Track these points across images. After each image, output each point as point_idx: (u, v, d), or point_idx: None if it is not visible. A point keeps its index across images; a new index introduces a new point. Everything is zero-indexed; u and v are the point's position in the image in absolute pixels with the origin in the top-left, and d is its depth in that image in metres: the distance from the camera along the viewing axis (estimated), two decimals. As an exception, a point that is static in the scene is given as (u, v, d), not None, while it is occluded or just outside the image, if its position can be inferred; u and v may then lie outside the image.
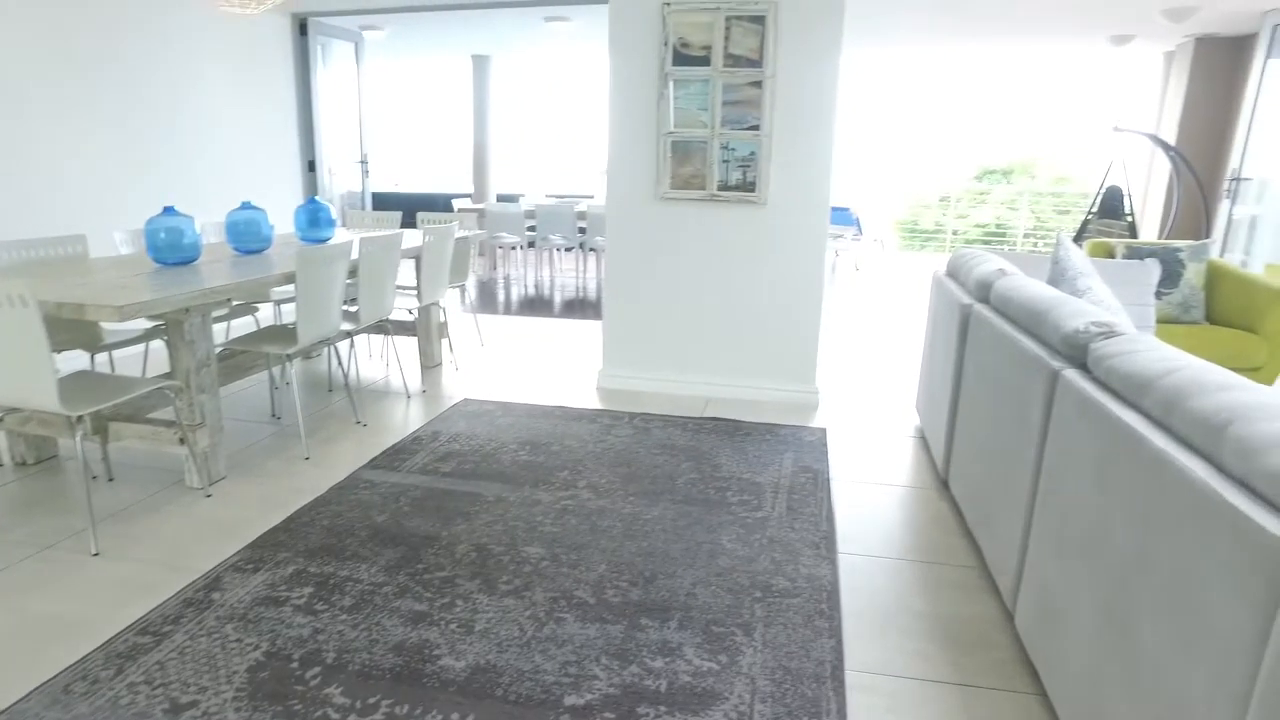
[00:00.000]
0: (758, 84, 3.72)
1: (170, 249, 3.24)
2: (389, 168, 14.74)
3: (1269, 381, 3.89)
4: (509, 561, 2.45)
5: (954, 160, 18.54)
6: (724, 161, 3.83)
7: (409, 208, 7.43)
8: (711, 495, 2.95)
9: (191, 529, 2.65)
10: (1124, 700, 1.41)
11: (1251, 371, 3.87)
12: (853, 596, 2.31)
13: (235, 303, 4.03)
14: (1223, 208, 5.96)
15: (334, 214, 4.39)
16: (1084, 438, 1.69)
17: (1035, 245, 13.20)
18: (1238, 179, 5.85)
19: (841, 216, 9.17)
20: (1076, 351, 1.89)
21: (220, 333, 4.66)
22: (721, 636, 2.08)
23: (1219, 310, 4.13)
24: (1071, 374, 1.83)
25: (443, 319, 4.80)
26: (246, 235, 3.68)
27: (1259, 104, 5.73)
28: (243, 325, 5.03)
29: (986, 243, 14.86)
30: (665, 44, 3.77)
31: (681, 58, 3.78)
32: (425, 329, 4.66)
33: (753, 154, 3.80)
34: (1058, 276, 2.70)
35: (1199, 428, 1.33)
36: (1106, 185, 7.32)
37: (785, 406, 3.98)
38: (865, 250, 9.29)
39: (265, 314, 5.22)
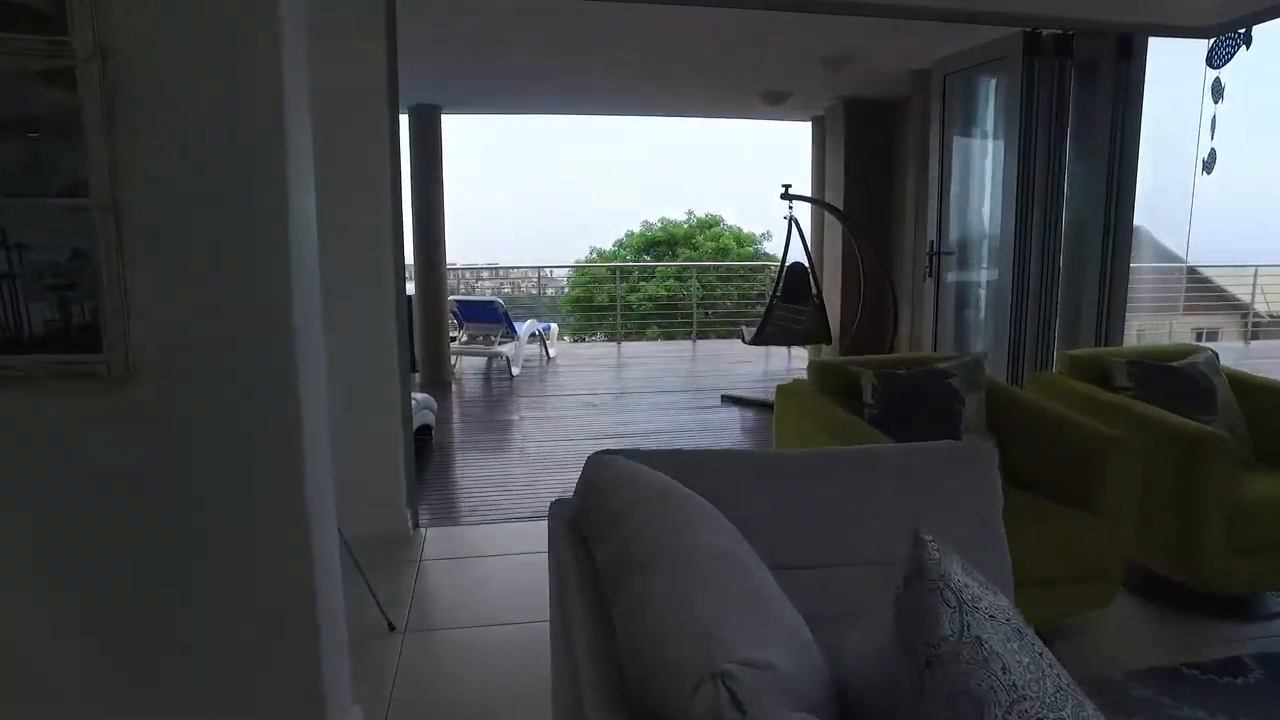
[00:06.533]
0: (59, 75, 1.44)
1: None
2: None
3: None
4: None
5: (620, 232, 18.05)
6: (4, 277, 1.47)
7: None
8: None
9: None
10: None
11: (1097, 579, 2.32)
12: None
13: None
14: (927, 287, 4.84)
15: None
16: None
17: (706, 315, 12.45)
18: (938, 253, 4.76)
19: (485, 312, 7.18)
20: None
21: None
22: None
23: (1029, 469, 2.59)
24: None
25: None
26: None
27: (948, 174, 4.70)
28: None
29: (659, 314, 13.97)
30: None
31: None
32: None
33: (83, 254, 1.49)
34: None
35: None
36: (789, 263, 6.11)
37: None
38: (521, 349, 7.35)
39: None
